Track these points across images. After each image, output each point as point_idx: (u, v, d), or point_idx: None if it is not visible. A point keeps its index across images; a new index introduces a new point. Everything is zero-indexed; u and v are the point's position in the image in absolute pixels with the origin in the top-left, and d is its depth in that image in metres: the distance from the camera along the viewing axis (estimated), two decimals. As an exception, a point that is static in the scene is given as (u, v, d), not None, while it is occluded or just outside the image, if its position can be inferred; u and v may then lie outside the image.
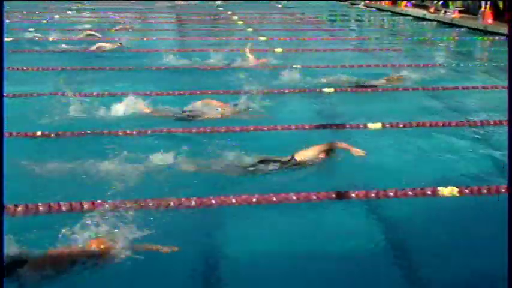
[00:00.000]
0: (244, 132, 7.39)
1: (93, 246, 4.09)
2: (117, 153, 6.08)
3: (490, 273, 4.22)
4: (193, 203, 5.08)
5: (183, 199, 5.07)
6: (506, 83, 11.01)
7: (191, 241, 4.47)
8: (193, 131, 7.39)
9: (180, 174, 5.89)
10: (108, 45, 14.49)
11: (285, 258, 4.38)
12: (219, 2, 31.78)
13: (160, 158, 6.09)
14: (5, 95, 8.34)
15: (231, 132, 7.40)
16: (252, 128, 7.48)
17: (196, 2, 32.40)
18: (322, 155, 6.15)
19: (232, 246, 4.59)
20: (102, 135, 7.20)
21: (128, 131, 7.30)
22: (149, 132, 7.35)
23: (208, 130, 7.41)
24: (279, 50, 14.76)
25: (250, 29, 19.96)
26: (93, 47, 14.30)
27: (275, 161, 6.06)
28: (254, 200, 5.15)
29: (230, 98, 8.81)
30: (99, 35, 16.49)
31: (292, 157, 6.09)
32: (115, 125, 7.55)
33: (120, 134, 7.26)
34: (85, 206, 4.89)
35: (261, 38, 17.27)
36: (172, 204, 5.01)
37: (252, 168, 5.98)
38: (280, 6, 31.40)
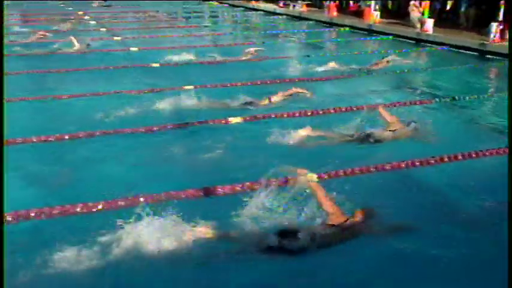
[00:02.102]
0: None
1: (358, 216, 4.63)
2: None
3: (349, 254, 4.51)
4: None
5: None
6: (355, 72, 11.76)
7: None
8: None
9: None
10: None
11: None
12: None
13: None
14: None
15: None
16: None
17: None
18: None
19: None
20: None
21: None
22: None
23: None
24: (134, 49, 14.49)
25: (103, 29, 19.31)
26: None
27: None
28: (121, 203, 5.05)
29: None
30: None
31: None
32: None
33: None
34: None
35: (116, 38, 16.80)
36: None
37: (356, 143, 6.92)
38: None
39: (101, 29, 19.30)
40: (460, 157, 6.40)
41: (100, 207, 5.02)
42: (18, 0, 28.77)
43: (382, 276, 4.27)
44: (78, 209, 4.98)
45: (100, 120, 7.84)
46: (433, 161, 6.26)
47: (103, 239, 4.44)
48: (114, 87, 9.81)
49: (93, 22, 21.75)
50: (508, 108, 6.90)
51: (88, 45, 14.38)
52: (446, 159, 6.32)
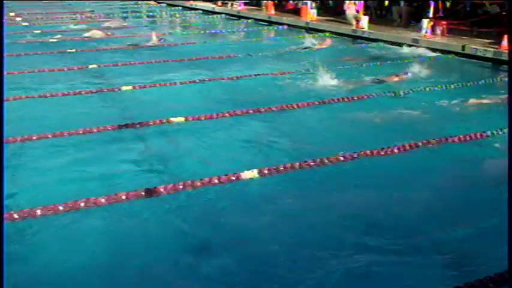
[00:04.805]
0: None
1: None
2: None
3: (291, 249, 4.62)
4: None
5: None
6: (294, 69, 11.87)
7: None
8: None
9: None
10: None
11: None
12: None
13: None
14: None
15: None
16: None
17: None
18: None
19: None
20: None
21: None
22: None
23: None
24: (72, 50, 14.17)
25: (37, 31, 18.69)
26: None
27: None
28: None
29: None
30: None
31: None
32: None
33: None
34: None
35: (51, 40, 16.33)
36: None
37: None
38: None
39: (35, 31, 18.70)
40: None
41: (39, 212, 4.93)
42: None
43: None
44: (15, 216, 4.86)
45: (37, 124, 7.66)
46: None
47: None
48: (51, 90, 9.58)
49: (25, 24, 21.04)
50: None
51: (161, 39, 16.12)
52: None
